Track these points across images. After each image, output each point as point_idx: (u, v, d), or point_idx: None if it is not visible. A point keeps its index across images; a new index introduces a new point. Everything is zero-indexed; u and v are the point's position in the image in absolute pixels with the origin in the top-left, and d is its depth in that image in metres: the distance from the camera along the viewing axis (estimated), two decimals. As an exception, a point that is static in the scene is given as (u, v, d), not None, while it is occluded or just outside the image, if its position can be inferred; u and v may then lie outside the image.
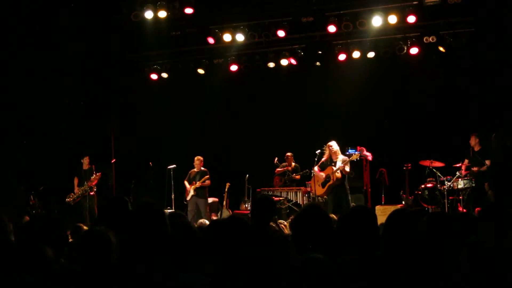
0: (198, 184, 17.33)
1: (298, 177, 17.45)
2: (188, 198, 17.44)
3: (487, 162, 14.87)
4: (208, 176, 17.51)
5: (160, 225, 4.69)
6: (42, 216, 15.40)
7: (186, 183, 17.72)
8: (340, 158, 15.06)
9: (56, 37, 17.23)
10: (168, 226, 4.72)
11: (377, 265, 4.38)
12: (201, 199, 17.39)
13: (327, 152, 15.30)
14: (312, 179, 15.77)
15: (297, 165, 17.77)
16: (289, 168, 17.75)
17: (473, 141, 15.45)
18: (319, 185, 15.41)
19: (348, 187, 15.16)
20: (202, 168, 17.64)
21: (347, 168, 15.02)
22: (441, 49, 16.86)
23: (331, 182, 15.04)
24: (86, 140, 18.44)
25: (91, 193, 17.30)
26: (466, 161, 15.49)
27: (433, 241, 4.64)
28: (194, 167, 17.73)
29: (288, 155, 17.90)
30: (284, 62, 18.15)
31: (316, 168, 15.48)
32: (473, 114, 16.70)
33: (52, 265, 4.52)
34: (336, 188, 15.04)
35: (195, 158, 17.64)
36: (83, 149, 17.95)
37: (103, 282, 4.43)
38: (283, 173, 17.81)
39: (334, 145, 15.19)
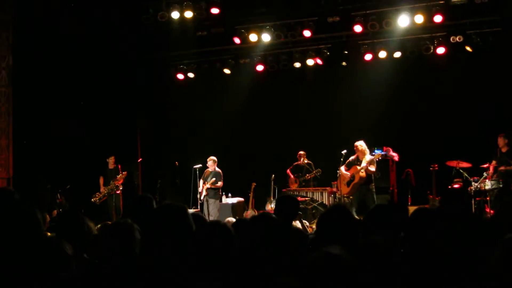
0: (208, 184, 17.33)
1: (308, 177, 17.38)
2: (202, 197, 17.45)
3: (514, 162, 14.78)
4: (220, 178, 17.45)
5: (184, 225, 4.69)
6: (63, 212, 15.52)
7: (201, 182, 17.69)
8: (367, 158, 15.07)
9: (83, 38, 17.36)
10: (192, 225, 4.72)
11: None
12: (211, 199, 17.33)
13: (357, 153, 15.37)
14: (339, 178, 15.79)
15: (309, 162, 17.68)
16: (300, 163, 17.70)
17: (501, 142, 15.26)
18: (344, 184, 15.46)
19: (373, 187, 15.14)
20: (216, 169, 17.59)
21: (372, 168, 15.01)
22: (468, 48, 16.77)
23: (355, 181, 15.10)
24: (112, 140, 18.53)
25: (117, 192, 17.40)
26: (494, 162, 15.35)
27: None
28: (207, 167, 17.66)
29: (300, 153, 17.82)
30: (310, 62, 18.16)
31: (342, 168, 15.51)
32: (500, 115, 16.57)
33: (71, 262, 4.54)
34: (361, 187, 15.07)
35: (208, 159, 17.59)
36: (109, 149, 18.05)
37: (125, 276, 4.45)
38: (294, 170, 17.71)
39: (361, 144, 15.24)
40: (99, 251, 4.83)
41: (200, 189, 17.48)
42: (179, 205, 4.90)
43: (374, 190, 15.17)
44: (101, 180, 17.67)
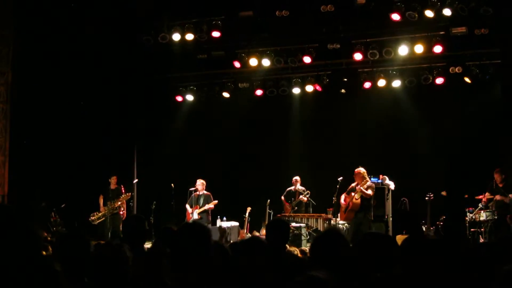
0: (206, 207, 17.21)
1: (304, 199, 17.32)
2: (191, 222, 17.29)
3: (511, 196, 14.77)
4: (211, 199, 17.37)
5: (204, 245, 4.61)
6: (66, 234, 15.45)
7: (187, 206, 17.52)
8: (367, 184, 15.07)
9: (83, 56, 17.44)
10: (211, 247, 4.65)
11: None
12: (205, 223, 17.24)
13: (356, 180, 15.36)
14: (340, 205, 15.83)
15: (303, 188, 17.60)
16: (292, 189, 17.64)
17: (499, 178, 15.24)
18: (342, 211, 15.49)
19: (370, 215, 15.11)
20: (205, 192, 17.51)
21: (369, 191, 14.98)
22: (467, 80, 16.82)
23: (349, 208, 15.11)
24: (113, 160, 18.54)
25: (121, 213, 17.29)
26: (487, 194, 15.35)
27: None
28: (195, 190, 17.40)
29: (295, 179, 17.71)
30: (309, 88, 18.19)
31: (343, 196, 15.52)
32: (496, 147, 16.59)
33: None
34: (357, 214, 15.04)
35: (199, 182, 17.49)
36: (110, 169, 18.01)
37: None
38: (287, 196, 17.60)
39: (360, 171, 15.19)
40: (92, 272, 4.81)
41: (190, 214, 17.31)
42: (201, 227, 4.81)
43: (371, 218, 15.14)
44: (101, 200, 17.52)
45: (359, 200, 14.97)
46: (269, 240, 6.61)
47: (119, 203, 17.26)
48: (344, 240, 4.77)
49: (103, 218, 17.25)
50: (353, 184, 15.45)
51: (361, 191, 14.97)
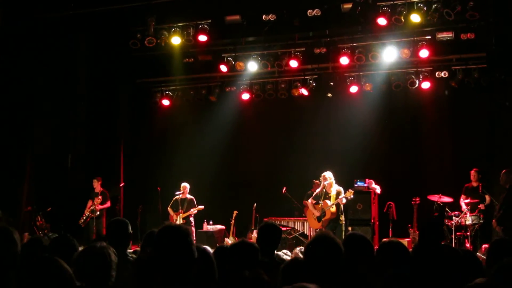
0: (193, 211, 17.18)
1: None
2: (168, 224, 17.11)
3: (487, 197, 14.88)
4: (195, 204, 17.32)
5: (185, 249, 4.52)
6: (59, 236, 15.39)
7: (170, 210, 17.42)
8: (333, 191, 14.85)
9: (68, 62, 17.43)
10: (194, 250, 4.56)
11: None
12: (189, 227, 17.14)
13: (322, 183, 15.13)
14: (307, 211, 15.65)
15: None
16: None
17: (474, 177, 15.37)
18: (314, 219, 15.21)
19: (342, 219, 14.91)
20: (188, 196, 17.43)
21: (344, 200, 14.82)
22: (453, 84, 16.89)
23: (326, 217, 14.82)
24: (98, 164, 18.51)
25: (97, 213, 17.19)
26: (463, 196, 15.47)
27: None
28: (178, 194, 17.26)
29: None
30: (295, 92, 18.20)
31: (309, 201, 15.35)
32: (483, 150, 16.69)
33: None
34: (332, 221, 14.85)
35: (183, 186, 17.45)
36: (96, 173, 17.95)
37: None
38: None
39: (329, 176, 14.98)
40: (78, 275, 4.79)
41: (175, 219, 17.22)
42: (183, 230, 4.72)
43: (343, 222, 14.97)
44: (89, 203, 17.45)
45: (335, 209, 14.76)
46: (261, 244, 6.62)
47: (95, 206, 17.22)
48: (337, 245, 4.77)
49: (88, 221, 17.20)
50: (318, 190, 15.20)
51: (340, 202, 14.78)
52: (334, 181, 14.99)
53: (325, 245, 4.69)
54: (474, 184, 15.39)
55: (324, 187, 14.98)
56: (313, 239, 4.85)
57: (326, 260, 4.59)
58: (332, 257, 4.60)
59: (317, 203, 15.13)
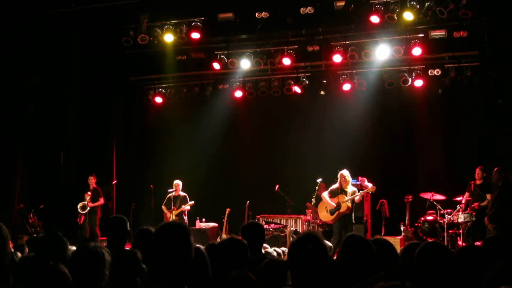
0: (185, 207, 17.23)
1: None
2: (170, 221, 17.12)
3: (488, 196, 14.82)
4: (188, 200, 17.47)
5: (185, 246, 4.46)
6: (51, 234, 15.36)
7: (164, 208, 17.51)
8: (349, 189, 14.92)
9: (61, 59, 17.40)
10: (192, 248, 4.50)
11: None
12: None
13: (338, 180, 15.17)
14: (320, 204, 15.59)
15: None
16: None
17: (479, 174, 15.36)
18: (327, 212, 15.20)
19: (353, 217, 15.04)
20: (181, 193, 17.52)
21: (359, 197, 14.92)
22: (446, 82, 16.90)
23: (341, 210, 14.85)
24: (90, 161, 18.49)
25: (83, 212, 17.16)
26: (467, 194, 15.44)
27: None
28: (171, 192, 17.40)
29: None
30: (288, 90, 18.19)
31: (325, 194, 15.35)
32: (474, 148, 16.72)
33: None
34: (344, 217, 14.90)
35: (175, 183, 17.51)
36: (89, 170, 17.93)
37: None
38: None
39: (346, 174, 15.05)
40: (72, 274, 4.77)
41: (169, 217, 17.25)
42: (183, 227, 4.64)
43: (353, 221, 15.09)
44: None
45: (350, 204, 14.83)
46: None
47: (92, 203, 17.22)
48: (322, 246, 4.75)
49: (83, 218, 17.18)
50: (335, 186, 15.23)
51: (355, 199, 14.88)
52: (350, 179, 15.09)
53: (310, 245, 4.67)
54: (478, 182, 15.38)
55: (340, 184, 15.04)
56: (298, 238, 4.83)
57: (310, 261, 4.57)
58: (316, 258, 4.58)
59: (333, 197, 15.16)
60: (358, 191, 14.96)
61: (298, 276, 4.55)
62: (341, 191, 14.96)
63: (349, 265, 4.89)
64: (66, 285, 4.37)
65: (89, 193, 17.29)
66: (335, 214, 14.94)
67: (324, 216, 15.29)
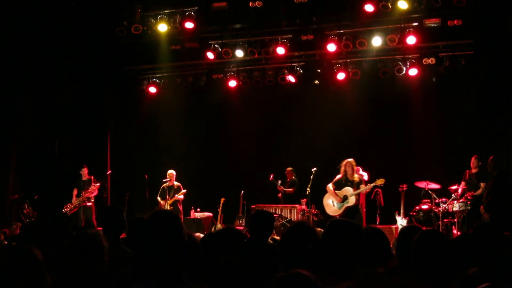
0: (178, 197, 17.29)
1: (290, 190, 17.41)
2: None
3: (482, 185, 14.84)
4: (184, 190, 17.57)
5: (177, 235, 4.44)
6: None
7: (159, 198, 17.62)
8: (356, 178, 14.91)
9: (54, 49, 17.34)
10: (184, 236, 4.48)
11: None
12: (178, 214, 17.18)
13: (342, 169, 15.13)
14: (325, 197, 15.53)
15: (295, 179, 17.67)
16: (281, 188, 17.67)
17: (474, 163, 15.36)
18: (333, 205, 15.16)
19: (361, 205, 15.06)
20: (175, 183, 17.60)
21: (366, 190, 14.96)
22: (440, 70, 16.91)
23: (349, 204, 14.84)
24: (85, 151, 18.45)
25: (88, 204, 17.22)
26: (462, 183, 15.46)
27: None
28: (166, 182, 17.57)
29: (287, 170, 17.83)
30: (283, 79, 18.18)
31: (330, 186, 15.33)
32: (469, 137, 16.75)
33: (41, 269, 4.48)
34: (350, 208, 14.88)
35: (169, 173, 17.56)
36: (83, 161, 17.91)
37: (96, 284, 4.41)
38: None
39: (353, 163, 15.06)
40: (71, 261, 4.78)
41: (162, 205, 17.29)
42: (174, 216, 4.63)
43: (362, 211, 15.10)
44: (75, 192, 17.41)
45: (357, 196, 14.85)
46: (253, 232, 6.64)
47: (89, 194, 17.21)
48: (313, 235, 4.74)
49: (75, 210, 17.18)
50: (339, 176, 15.21)
51: (369, 188, 14.93)
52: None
53: (301, 234, 4.67)
54: (473, 170, 15.39)
55: (344, 173, 15.03)
56: (290, 228, 4.83)
57: (301, 250, 4.57)
58: (307, 247, 4.58)
59: (339, 189, 15.16)
60: (362, 182, 14.97)
61: (289, 265, 4.54)
62: (346, 181, 14.94)
63: (330, 249, 4.83)
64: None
65: (97, 184, 17.32)
66: (343, 208, 14.92)
67: (332, 211, 15.21)
